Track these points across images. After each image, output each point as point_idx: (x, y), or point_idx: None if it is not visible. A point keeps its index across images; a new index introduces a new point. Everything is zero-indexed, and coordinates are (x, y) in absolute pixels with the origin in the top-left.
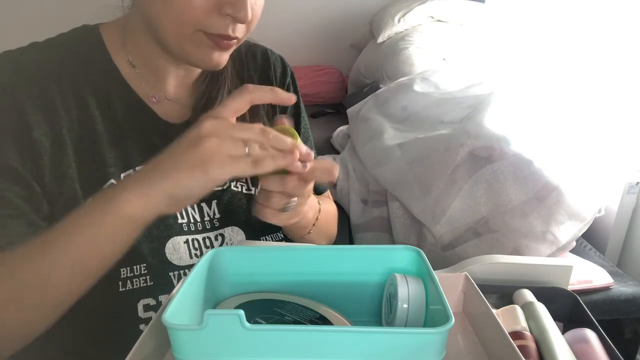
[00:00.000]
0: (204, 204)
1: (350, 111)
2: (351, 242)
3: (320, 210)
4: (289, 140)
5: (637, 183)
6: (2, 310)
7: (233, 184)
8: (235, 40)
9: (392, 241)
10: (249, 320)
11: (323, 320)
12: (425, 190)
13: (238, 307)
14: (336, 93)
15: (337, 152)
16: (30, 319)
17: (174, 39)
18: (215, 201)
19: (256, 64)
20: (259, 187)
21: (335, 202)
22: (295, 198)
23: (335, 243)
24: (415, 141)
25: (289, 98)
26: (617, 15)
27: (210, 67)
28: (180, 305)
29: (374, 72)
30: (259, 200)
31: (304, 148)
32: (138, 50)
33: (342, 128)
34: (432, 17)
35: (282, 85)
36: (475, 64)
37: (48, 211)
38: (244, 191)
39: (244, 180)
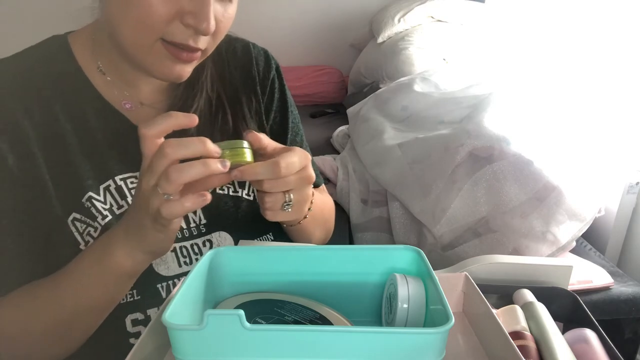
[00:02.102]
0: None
1: (350, 111)
2: (351, 242)
3: (314, 194)
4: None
5: (637, 183)
6: (21, 344)
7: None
8: (198, 53)
9: (392, 241)
10: (249, 320)
11: (323, 320)
12: (425, 190)
13: (238, 307)
14: (336, 93)
15: (337, 152)
16: (54, 353)
17: (134, 48)
18: (201, 207)
19: (237, 60)
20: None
21: (335, 202)
22: (292, 195)
23: (335, 243)
24: (415, 141)
25: (190, 121)
26: (617, 15)
27: (172, 80)
28: (180, 305)
29: (374, 72)
30: (259, 202)
31: (212, 148)
32: (107, 57)
33: (342, 128)
34: (432, 17)
35: (266, 80)
36: (475, 64)
37: (39, 234)
38: (231, 193)
39: (230, 182)
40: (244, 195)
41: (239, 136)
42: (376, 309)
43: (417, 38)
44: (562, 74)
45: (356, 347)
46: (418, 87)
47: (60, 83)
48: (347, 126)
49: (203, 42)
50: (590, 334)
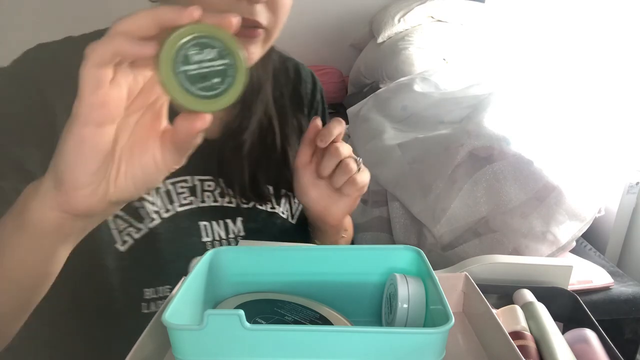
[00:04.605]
0: (229, 220)
1: (350, 111)
2: (351, 242)
3: (347, 230)
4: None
5: (637, 183)
6: None
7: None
8: (259, 30)
9: (392, 241)
10: (249, 320)
11: (323, 320)
12: (425, 190)
13: (238, 307)
14: (336, 93)
15: None
16: None
17: None
18: (241, 219)
19: (288, 78)
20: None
21: None
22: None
23: None
24: (415, 141)
25: (184, 16)
26: (617, 15)
27: None
28: (180, 305)
29: (374, 72)
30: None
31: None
32: None
33: None
34: (432, 17)
35: (312, 102)
36: (475, 64)
37: None
38: (268, 209)
39: (268, 199)
40: (280, 213)
41: (286, 160)
42: (376, 309)
43: (417, 38)
44: (562, 74)
45: (356, 347)
46: (418, 87)
47: None
48: (347, 126)
49: (261, 15)
50: (590, 334)
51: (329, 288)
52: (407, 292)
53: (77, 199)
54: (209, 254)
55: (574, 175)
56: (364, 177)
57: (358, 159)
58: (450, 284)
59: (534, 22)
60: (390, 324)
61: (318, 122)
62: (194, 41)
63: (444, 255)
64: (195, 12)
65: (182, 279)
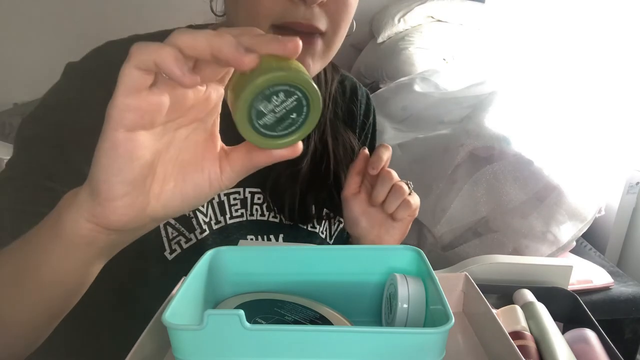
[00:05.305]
0: (272, 236)
1: None
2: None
3: None
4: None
5: (637, 183)
6: None
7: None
8: (316, 37)
9: None
10: (249, 320)
11: (323, 320)
12: (425, 190)
13: (238, 307)
14: None
15: None
16: None
17: None
18: (282, 235)
19: (343, 98)
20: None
21: None
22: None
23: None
24: (415, 141)
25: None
26: (617, 15)
27: None
28: (180, 305)
29: (374, 72)
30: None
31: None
32: None
33: None
34: (432, 17)
35: (364, 124)
36: (475, 64)
37: None
38: (309, 229)
39: (311, 220)
40: (320, 233)
41: (337, 183)
42: (376, 309)
43: (417, 38)
44: (562, 74)
45: (356, 347)
46: (418, 87)
47: None
48: None
49: (320, 20)
50: (590, 334)
51: (329, 288)
52: (407, 292)
53: (112, 210)
54: (209, 254)
55: (574, 175)
56: (415, 199)
57: (408, 182)
58: (450, 284)
59: (534, 22)
60: (390, 324)
61: (366, 151)
62: (260, 96)
63: (444, 255)
64: (253, 62)
65: (182, 279)
